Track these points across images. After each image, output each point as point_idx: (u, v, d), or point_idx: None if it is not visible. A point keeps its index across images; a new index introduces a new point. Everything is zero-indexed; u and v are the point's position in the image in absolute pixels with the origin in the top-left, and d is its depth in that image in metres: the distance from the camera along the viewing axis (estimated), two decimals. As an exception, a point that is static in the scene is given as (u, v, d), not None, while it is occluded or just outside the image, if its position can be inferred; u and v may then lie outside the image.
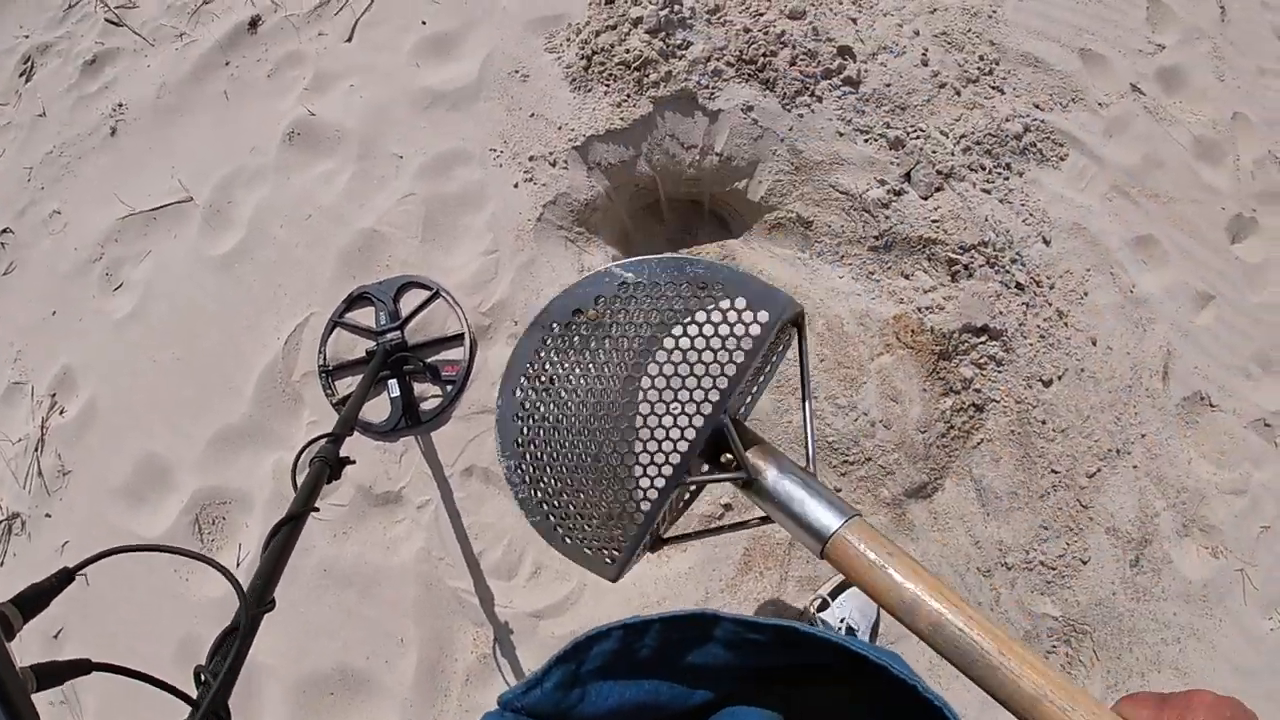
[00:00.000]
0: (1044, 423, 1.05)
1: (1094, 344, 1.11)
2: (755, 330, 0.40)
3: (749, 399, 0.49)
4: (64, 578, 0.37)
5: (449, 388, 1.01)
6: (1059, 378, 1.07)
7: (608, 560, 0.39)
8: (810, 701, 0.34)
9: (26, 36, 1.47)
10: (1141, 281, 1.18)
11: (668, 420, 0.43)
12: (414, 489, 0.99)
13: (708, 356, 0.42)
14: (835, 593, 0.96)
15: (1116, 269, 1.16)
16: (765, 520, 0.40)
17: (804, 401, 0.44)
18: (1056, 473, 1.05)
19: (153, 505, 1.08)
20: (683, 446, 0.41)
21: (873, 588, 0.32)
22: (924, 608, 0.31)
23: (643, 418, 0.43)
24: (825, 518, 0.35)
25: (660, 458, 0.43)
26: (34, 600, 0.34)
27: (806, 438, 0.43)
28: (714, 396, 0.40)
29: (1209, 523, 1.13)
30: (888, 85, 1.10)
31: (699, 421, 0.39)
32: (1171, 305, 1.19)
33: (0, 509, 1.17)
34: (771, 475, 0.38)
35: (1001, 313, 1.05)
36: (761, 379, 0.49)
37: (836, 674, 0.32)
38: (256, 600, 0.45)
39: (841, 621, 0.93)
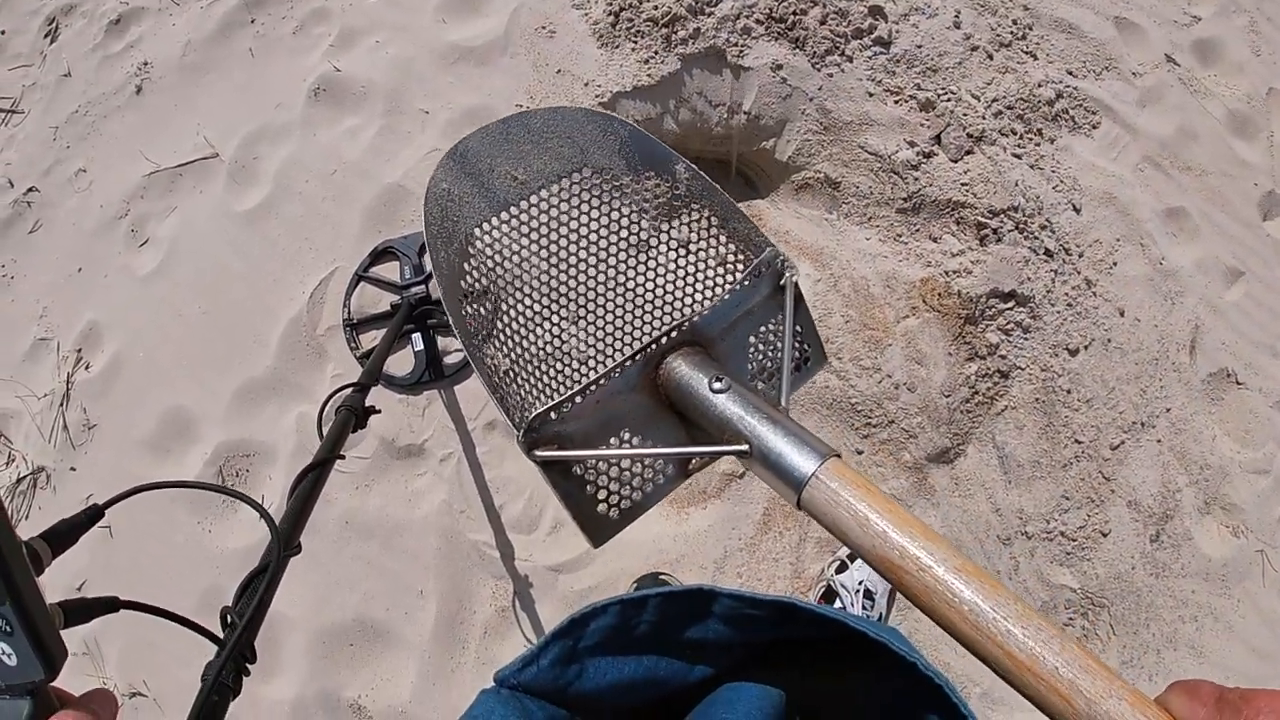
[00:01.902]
0: (1069, 392, 1.04)
1: (1122, 315, 1.09)
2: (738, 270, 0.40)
3: (750, 366, 0.43)
4: (94, 514, 0.37)
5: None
6: (1085, 347, 1.06)
7: (516, 423, 0.36)
8: (811, 678, 0.33)
9: (51, -3, 1.48)
10: (1171, 254, 1.16)
11: (620, 322, 0.43)
12: (436, 442, 1.00)
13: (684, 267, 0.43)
14: (854, 555, 0.95)
15: (1146, 240, 1.14)
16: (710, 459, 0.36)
17: (783, 351, 0.39)
18: (1080, 443, 1.04)
19: (177, 458, 1.09)
20: (626, 351, 0.41)
21: (854, 542, 0.28)
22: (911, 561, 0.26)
23: (599, 308, 0.43)
24: (798, 462, 0.30)
25: (599, 352, 0.43)
26: (63, 535, 0.34)
27: (782, 381, 0.38)
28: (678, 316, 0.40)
29: (1230, 501, 1.11)
30: (919, 46, 1.08)
31: (649, 335, 0.40)
32: (1201, 279, 1.17)
33: (26, 463, 1.19)
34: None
35: (1029, 279, 1.03)
36: (760, 347, 0.44)
37: (838, 650, 0.31)
38: (284, 543, 0.45)
39: (860, 584, 0.93)
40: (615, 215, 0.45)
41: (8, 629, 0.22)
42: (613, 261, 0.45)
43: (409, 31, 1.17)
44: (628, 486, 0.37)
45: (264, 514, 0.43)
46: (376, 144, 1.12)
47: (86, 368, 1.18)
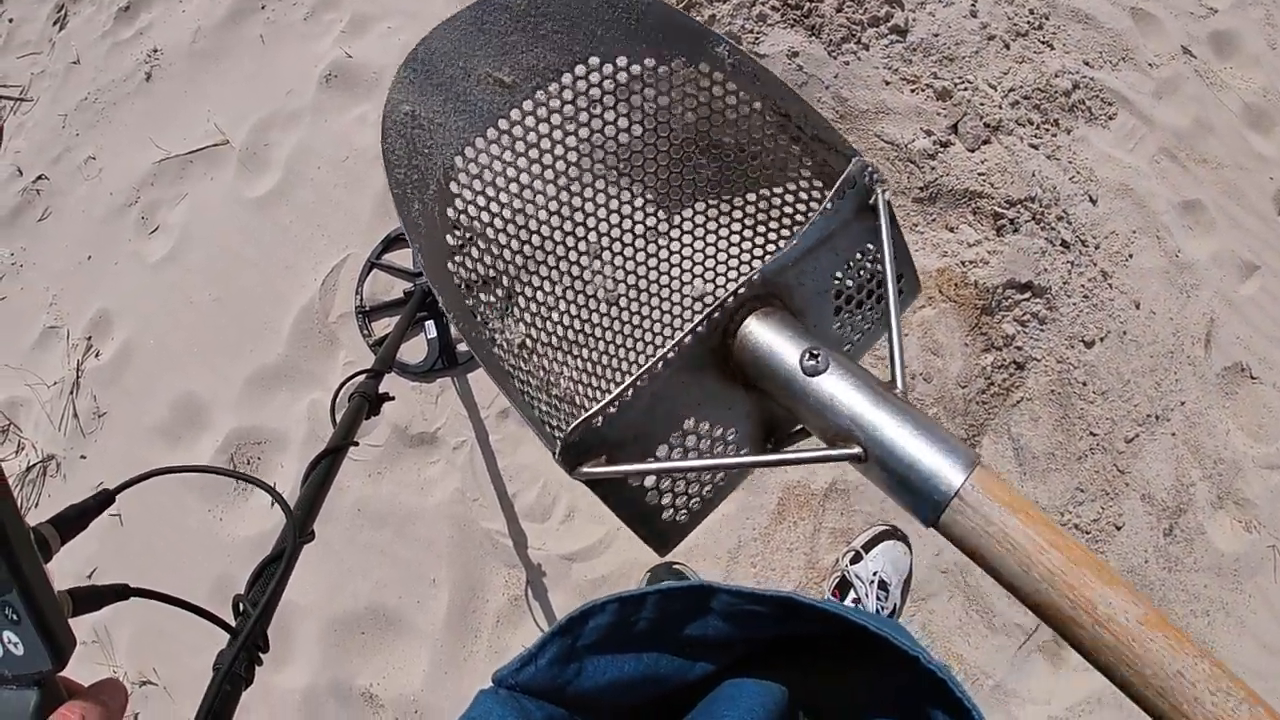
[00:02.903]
0: (1084, 384, 1.03)
1: (1137, 307, 1.08)
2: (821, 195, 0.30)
3: (833, 317, 0.34)
4: (104, 499, 0.36)
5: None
6: (1101, 339, 1.05)
7: (555, 435, 0.29)
8: (813, 675, 0.33)
9: (60, -16, 1.47)
10: (1187, 247, 1.15)
11: (662, 271, 0.33)
12: (449, 430, 1.00)
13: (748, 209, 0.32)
14: (869, 546, 0.95)
15: (1163, 233, 1.14)
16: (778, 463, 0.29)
17: (889, 295, 0.30)
18: (1095, 435, 1.04)
19: (188, 445, 1.09)
20: (678, 318, 0.33)
21: (1008, 580, 0.22)
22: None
23: (637, 278, 0.33)
24: (936, 473, 0.23)
25: (644, 320, 0.34)
26: (72, 521, 0.33)
27: (892, 350, 0.29)
28: (755, 262, 0.30)
29: (1244, 496, 1.11)
30: (936, 35, 1.07)
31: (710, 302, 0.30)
32: (1216, 273, 1.16)
33: (36, 451, 1.19)
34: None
35: (1046, 270, 1.03)
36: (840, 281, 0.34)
37: (840, 646, 0.31)
38: (297, 530, 0.45)
39: (874, 575, 0.93)
40: (641, 120, 0.34)
41: (15, 618, 0.21)
42: (645, 187, 0.34)
43: (420, 18, 1.17)
44: (696, 484, 0.31)
45: (279, 499, 0.42)
46: (389, 131, 1.11)
47: (96, 355, 1.18)
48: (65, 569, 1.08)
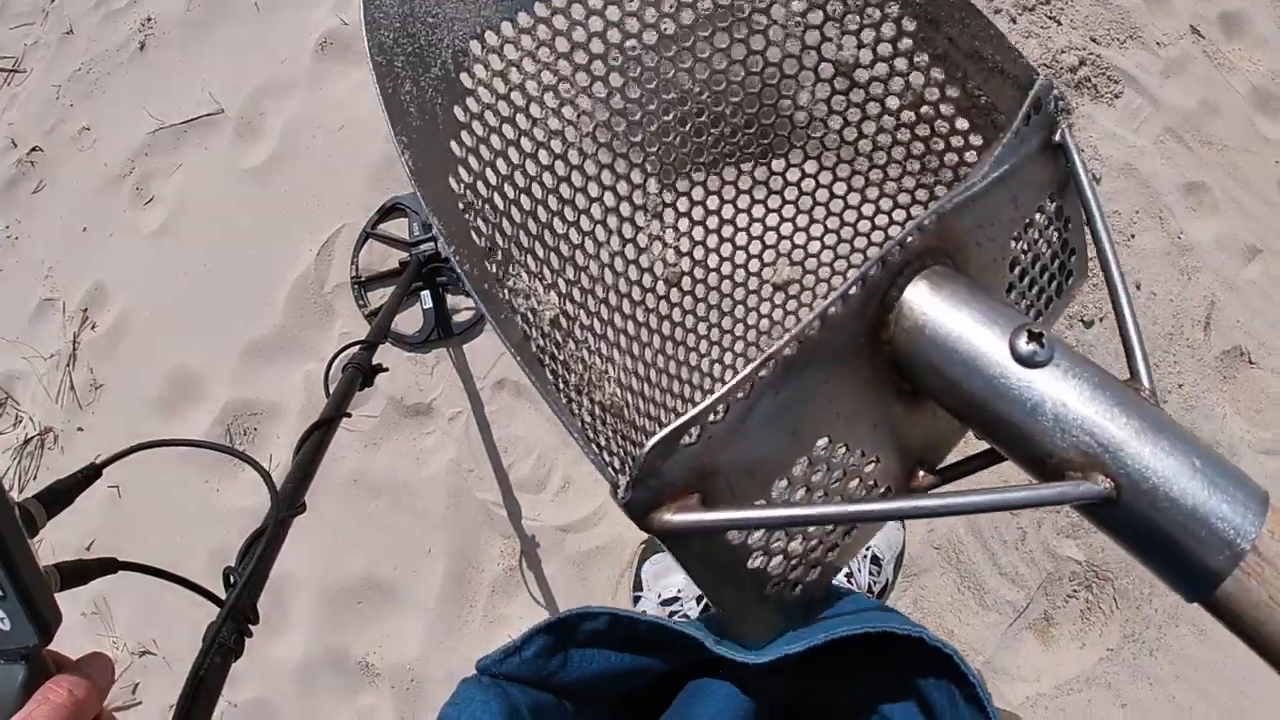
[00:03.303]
0: (1082, 364, 1.03)
1: (1138, 288, 1.08)
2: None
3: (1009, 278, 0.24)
4: (91, 473, 0.35)
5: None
6: (1100, 319, 1.05)
7: (611, 468, 0.21)
8: (812, 672, 0.32)
9: (53, -48, 1.45)
10: (1189, 229, 1.14)
11: (774, 225, 0.23)
12: (445, 401, 1.00)
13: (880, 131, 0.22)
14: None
15: (1165, 214, 1.13)
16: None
17: (1107, 265, 0.21)
18: (1092, 415, 1.04)
19: (184, 416, 1.09)
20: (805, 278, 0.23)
21: None
22: None
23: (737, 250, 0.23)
24: (1226, 515, 0.15)
25: (737, 328, 0.24)
26: (60, 495, 0.33)
27: (1127, 335, 0.20)
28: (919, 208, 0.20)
29: (1240, 479, 1.11)
30: (941, 8, 1.06)
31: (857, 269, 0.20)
32: (1219, 256, 1.15)
33: (33, 424, 1.19)
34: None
35: (1046, 248, 1.02)
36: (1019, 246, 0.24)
37: (839, 650, 0.30)
38: (288, 503, 0.44)
39: (867, 550, 0.93)
40: (729, 28, 0.23)
41: (0, 594, 0.21)
42: (728, 125, 0.24)
43: (418, -13, 1.15)
44: (820, 542, 0.22)
45: (263, 473, 0.42)
46: (385, 101, 1.10)
47: (93, 328, 1.18)
48: (64, 541, 1.09)
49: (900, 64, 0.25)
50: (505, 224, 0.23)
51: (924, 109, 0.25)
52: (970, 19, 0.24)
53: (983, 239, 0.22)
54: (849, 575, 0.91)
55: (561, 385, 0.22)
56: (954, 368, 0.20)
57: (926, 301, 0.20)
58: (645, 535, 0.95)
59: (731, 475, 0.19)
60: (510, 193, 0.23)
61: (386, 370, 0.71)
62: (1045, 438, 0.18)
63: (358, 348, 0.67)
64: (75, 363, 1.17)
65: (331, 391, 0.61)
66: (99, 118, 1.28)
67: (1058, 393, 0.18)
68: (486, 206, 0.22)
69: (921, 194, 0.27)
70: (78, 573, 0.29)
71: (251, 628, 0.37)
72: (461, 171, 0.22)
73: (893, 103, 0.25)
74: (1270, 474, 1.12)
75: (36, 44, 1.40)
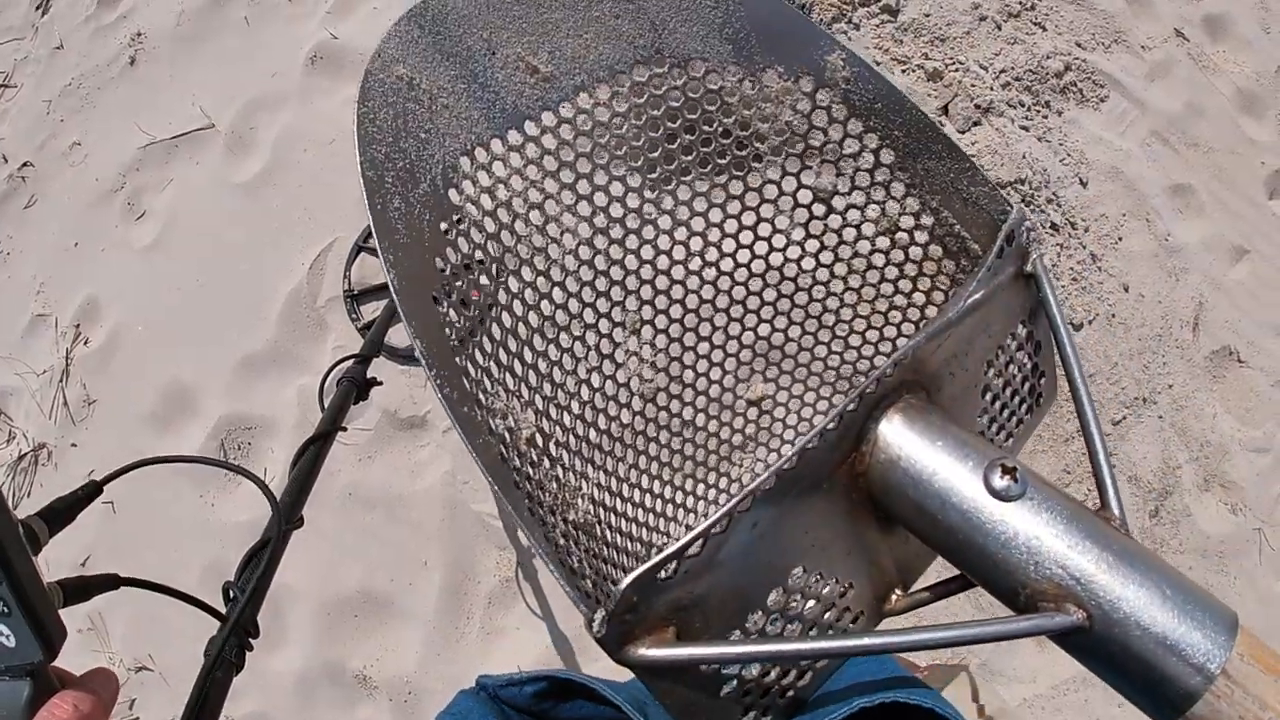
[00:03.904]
0: (1072, 366, 1.04)
1: (1126, 290, 1.09)
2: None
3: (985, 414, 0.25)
4: (92, 490, 0.36)
5: (475, 312, 1.01)
6: (1089, 322, 1.06)
7: (585, 593, 0.20)
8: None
9: (42, -33, 1.45)
10: (1176, 230, 1.16)
11: (743, 356, 0.24)
12: (439, 413, 1.00)
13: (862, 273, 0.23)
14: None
15: (1152, 216, 1.14)
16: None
17: (1077, 393, 0.22)
18: (1082, 417, 1.04)
19: (178, 431, 1.09)
20: (776, 412, 0.23)
21: None
22: None
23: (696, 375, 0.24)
24: (1195, 640, 0.16)
25: (732, 419, 0.25)
26: (61, 513, 0.33)
27: (1098, 465, 0.21)
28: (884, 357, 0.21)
29: (1230, 479, 1.12)
30: (927, 15, 1.07)
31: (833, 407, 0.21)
32: (1206, 257, 1.17)
33: (27, 440, 1.18)
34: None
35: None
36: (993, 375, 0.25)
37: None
38: (286, 517, 0.44)
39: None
40: (710, 147, 0.25)
41: (5, 610, 0.21)
42: (717, 236, 0.25)
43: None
44: (795, 671, 0.22)
45: (264, 488, 0.42)
46: (376, 114, 1.10)
47: (85, 343, 1.17)
48: (59, 557, 1.09)
49: (878, 192, 0.26)
50: (485, 341, 0.23)
51: (899, 235, 0.27)
52: (947, 153, 0.26)
53: (956, 369, 0.23)
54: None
55: (536, 509, 0.22)
56: (929, 501, 0.20)
57: (901, 435, 0.21)
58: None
59: (707, 607, 0.19)
60: (491, 309, 0.24)
61: (381, 384, 0.71)
62: (1020, 571, 0.19)
63: (352, 361, 0.68)
64: (68, 378, 1.17)
65: (326, 406, 0.61)
66: (90, 133, 1.28)
67: (1031, 527, 0.19)
68: (468, 326, 0.23)
69: (895, 316, 0.28)
70: (80, 589, 0.30)
71: (251, 641, 0.37)
72: (445, 288, 0.23)
73: (868, 229, 0.27)
74: (1261, 471, 1.13)
75: (27, 59, 1.39)
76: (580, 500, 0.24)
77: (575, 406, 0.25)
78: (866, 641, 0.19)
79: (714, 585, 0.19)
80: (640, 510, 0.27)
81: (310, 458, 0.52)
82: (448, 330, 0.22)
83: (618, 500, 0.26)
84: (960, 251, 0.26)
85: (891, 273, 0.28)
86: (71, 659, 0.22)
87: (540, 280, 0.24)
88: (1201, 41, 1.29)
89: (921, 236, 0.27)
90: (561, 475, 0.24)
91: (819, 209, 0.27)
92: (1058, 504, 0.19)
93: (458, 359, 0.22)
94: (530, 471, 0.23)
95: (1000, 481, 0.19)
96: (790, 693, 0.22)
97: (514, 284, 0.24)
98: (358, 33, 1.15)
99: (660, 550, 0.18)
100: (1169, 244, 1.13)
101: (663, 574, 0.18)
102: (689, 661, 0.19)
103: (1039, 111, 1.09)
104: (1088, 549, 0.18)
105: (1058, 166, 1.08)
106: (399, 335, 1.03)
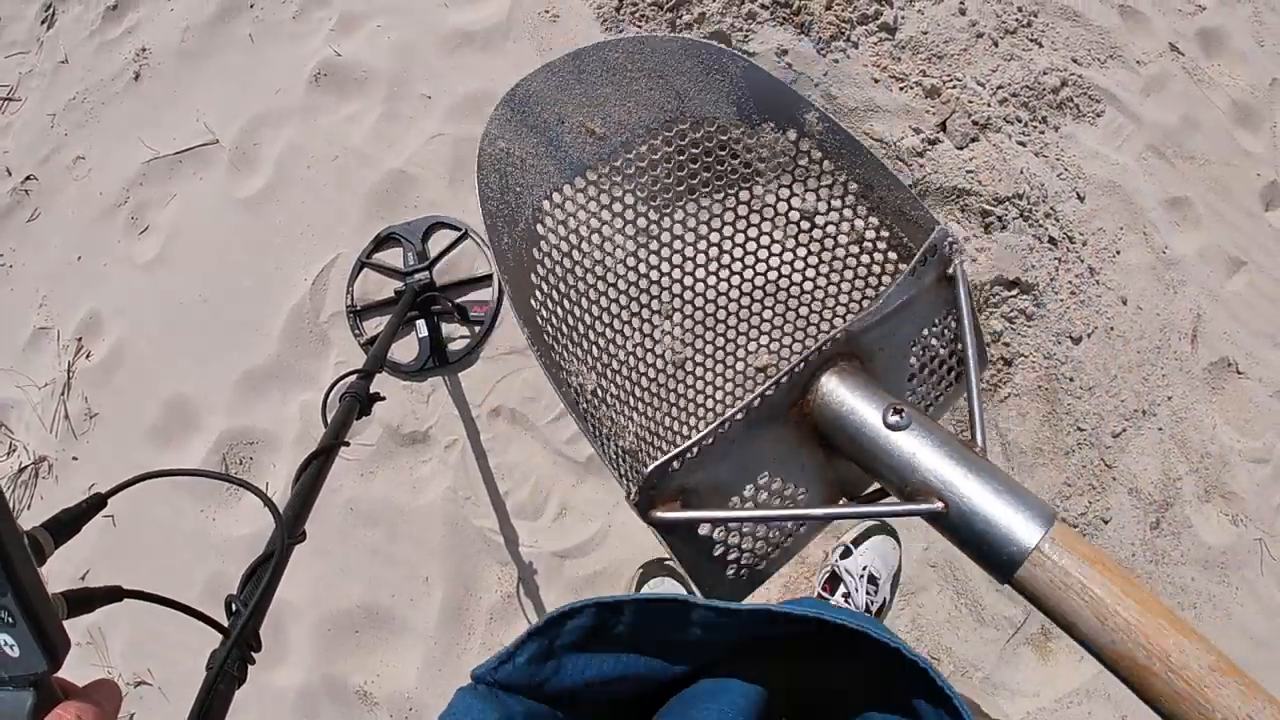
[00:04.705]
0: (1071, 380, 1.04)
1: (1124, 303, 1.09)
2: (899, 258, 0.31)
3: (915, 382, 0.35)
4: (96, 503, 0.36)
5: (477, 328, 1.01)
6: (1088, 335, 1.06)
7: (627, 480, 0.31)
8: (795, 667, 0.33)
9: (47, -17, 1.46)
10: (1174, 243, 1.16)
11: (743, 330, 0.35)
12: (441, 429, 1.00)
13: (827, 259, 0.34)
14: (858, 540, 0.96)
15: (1149, 229, 1.15)
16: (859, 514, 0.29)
17: (969, 360, 0.31)
18: (1082, 430, 1.04)
19: (179, 446, 1.09)
20: (751, 368, 0.34)
21: (1083, 634, 0.23)
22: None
23: (716, 321, 0.35)
24: (1014, 529, 0.24)
25: (724, 371, 0.35)
26: (65, 525, 0.33)
27: (972, 411, 0.29)
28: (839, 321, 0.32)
29: (1230, 490, 1.12)
30: (924, 33, 1.08)
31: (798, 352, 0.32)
32: (1203, 269, 1.17)
33: (28, 453, 1.18)
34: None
35: (1033, 267, 1.04)
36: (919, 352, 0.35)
37: (821, 642, 0.31)
38: (289, 531, 0.45)
39: (864, 570, 0.94)
40: (723, 185, 0.36)
41: (10, 620, 0.22)
42: (729, 245, 0.36)
43: (411, 15, 1.16)
44: (763, 543, 0.31)
45: (267, 501, 0.42)
46: (378, 129, 1.11)
47: (87, 357, 1.18)
48: (59, 570, 1.08)
49: (847, 213, 0.36)
50: (564, 328, 0.33)
51: (865, 243, 0.37)
52: (894, 185, 0.35)
53: (885, 346, 0.32)
54: (846, 595, 0.91)
55: (598, 433, 0.33)
56: (849, 432, 0.30)
57: (835, 388, 0.31)
58: (643, 561, 0.94)
59: (701, 492, 0.30)
60: (566, 305, 0.34)
61: (384, 399, 0.72)
62: (904, 475, 0.28)
63: (354, 377, 0.68)
64: (70, 392, 1.17)
65: (329, 420, 0.61)
66: (94, 147, 1.28)
67: (912, 447, 0.28)
68: (553, 317, 0.33)
69: (866, 303, 0.38)
70: (83, 600, 0.30)
71: (253, 655, 0.37)
72: (538, 294, 0.33)
73: (843, 239, 0.37)
74: (1261, 481, 1.13)
75: (31, 72, 1.40)
76: (627, 436, 0.35)
77: (625, 370, 0.36)
78: (803, 512, 0.30)
79: (706, 477, 0.29)
80: (667, 435, 0.38)
81: (313, 472, 0.53)
82: (540, 322, 0.32)
83: (654, 437, 0.36)
84: (909, 256, 0.36)
85: (861, 271, 0.38)
86: (71, 673, 0.23)
87: (600, 283, 0.35)
88: (1196, 56, 1.30)
89: (881, 245, 0.37)
90: (614, 418, 0.34)
91: (805, 224, 0.37)
92: (934, 434, 0.28)
93: (546, 339, 0.32)
94: (593, 411, 0.33)
95: (892, 418, 0.29)
96: (760, 565, 0.32)
97: (581, 285, 0.34)
98: (361, 50, 1.16)
99: (671, 453, 0.28)
100: (1166, 256, 1.14)
101: (673, 466, 0.28)
102: (688, 521, 0.29)
103: (1036, 127, 1.10)
104: (949, 463, 0.27)
105: (1055, 181, 1.09)
106: (401, 350, 1.04)
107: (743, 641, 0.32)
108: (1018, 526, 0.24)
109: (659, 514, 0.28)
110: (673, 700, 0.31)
